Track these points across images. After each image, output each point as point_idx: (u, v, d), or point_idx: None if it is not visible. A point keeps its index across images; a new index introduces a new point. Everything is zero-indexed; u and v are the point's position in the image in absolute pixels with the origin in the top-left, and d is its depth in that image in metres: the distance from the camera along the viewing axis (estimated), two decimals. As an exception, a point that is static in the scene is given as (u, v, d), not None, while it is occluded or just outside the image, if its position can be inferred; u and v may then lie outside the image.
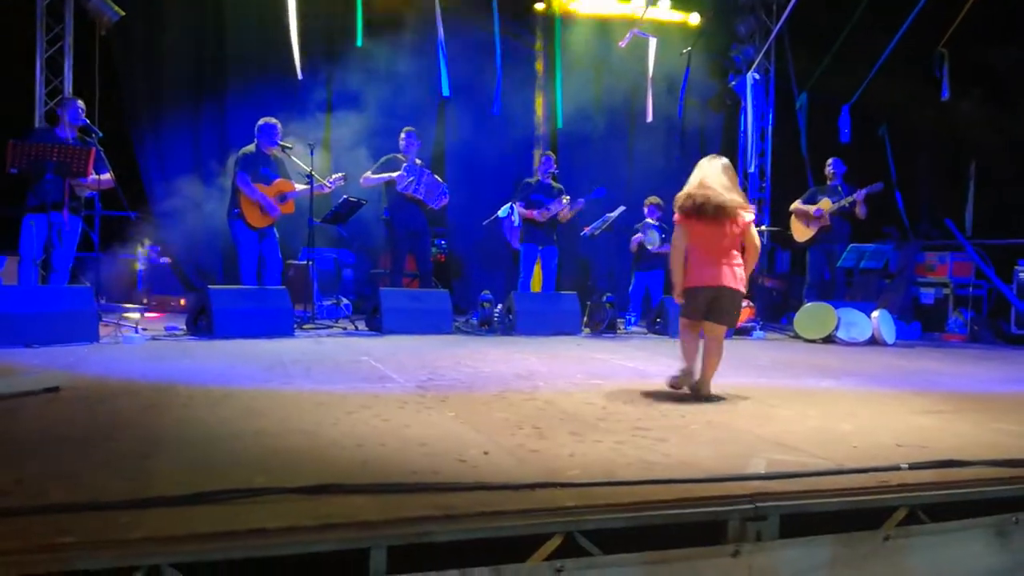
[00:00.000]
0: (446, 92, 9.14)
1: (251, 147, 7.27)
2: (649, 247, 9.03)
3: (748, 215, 4.21)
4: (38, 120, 8.10)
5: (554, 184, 8.64)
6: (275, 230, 7.33)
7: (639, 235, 9.10)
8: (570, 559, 2.10)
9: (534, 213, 8.42)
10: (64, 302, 5.74)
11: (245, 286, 7.03)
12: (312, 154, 7.38)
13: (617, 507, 2.18)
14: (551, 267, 8.60)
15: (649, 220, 9.10)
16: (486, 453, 2.70)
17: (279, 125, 7.36)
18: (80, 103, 6.66)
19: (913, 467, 2.72)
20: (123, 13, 8.14)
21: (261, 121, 7.32)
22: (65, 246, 6.41)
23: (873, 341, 7.91)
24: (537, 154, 10.11)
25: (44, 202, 6.17)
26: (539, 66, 10.59)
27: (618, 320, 8.27)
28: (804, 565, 2.42)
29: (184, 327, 6.62)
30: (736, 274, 4.20)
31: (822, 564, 2.45)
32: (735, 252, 4.23)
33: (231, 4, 9.27)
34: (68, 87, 8.16)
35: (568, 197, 8.48)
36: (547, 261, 8.58)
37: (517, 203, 8.51)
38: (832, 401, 4.14)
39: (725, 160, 4.34)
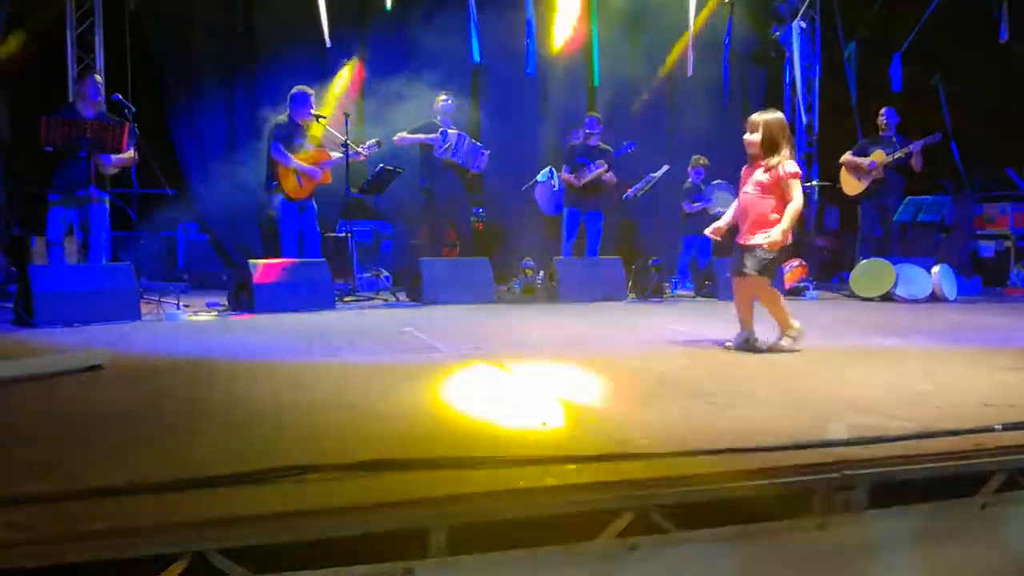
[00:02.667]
0: (476, 58, 8.89)
1: (283, 117, 7.11)
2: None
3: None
4: (71, 99, 8.02)
5: (600, 146, 8.35)
6: (314, 203, 7.18)
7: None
8: (644, 536, 1.94)
9: (571, 178, 8.18)
10: (104, 280, 5.66)
11: (286, 259, 6.91)
12: (347, 123, 7.20)
13: (693, 479, 2.00)
14: (596, 231, 8.36)
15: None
16: (545, 423, 2.54)
17: (312, 94, 7.18)
18: (97, 76, 6.52)
19: (1007, 428, 2.50)
20: (151, -14, 8.04)
21: (293, 90, 7.13)
22: (100, 225, 6.34)
23: (933, 297, 7.59)
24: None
25: (70, 182, 6.05)
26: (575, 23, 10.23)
27: (664, 284, 8.03)
28: (895, 537, 2.23)
29: (225, 303, 6.54)
30: None
31: (915, 535, 2.25)
32: None
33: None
34: (100, 63, 8.07)
35: (605, 161, 8.18)
36: (591, 225, 8.35)
37: (563, 167, 8.27)
38: (903, 360, 3.90)
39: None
